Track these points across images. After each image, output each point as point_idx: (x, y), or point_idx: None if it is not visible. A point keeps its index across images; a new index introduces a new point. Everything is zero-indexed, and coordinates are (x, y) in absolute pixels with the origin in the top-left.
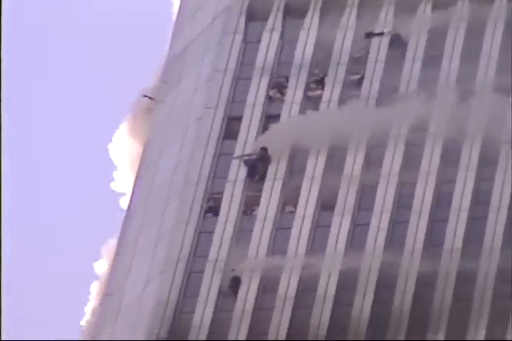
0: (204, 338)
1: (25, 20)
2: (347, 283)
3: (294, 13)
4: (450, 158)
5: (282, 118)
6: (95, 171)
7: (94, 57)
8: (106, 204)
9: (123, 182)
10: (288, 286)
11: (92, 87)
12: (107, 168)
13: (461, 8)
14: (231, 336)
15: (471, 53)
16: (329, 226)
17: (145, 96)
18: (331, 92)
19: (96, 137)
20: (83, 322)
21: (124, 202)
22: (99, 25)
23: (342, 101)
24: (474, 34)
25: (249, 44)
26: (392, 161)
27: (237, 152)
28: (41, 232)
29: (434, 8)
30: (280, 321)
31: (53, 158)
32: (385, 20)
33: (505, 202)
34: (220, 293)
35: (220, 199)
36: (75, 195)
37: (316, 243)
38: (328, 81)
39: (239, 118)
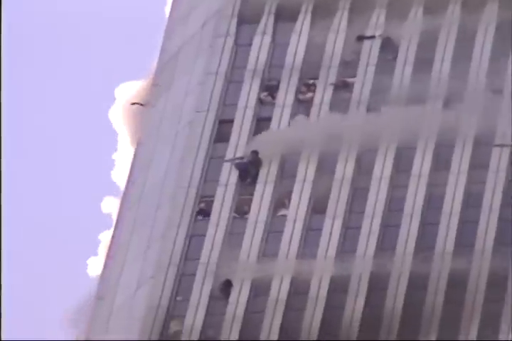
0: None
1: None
2: (338, 286)
3: (285, 17)
4: (441, 162)
5: (273, 121)
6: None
7: (85, 61)
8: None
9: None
10: (279, 289)
11: (81, 90)
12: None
13: (452, 12)
14: (222, 339)
15: (462, 56)
16: (320, 229)
17: (134, 103)
18: (322, 95)
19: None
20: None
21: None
22: (91, 29)
23: (333, 104)
24: (465, 37)
25: (241, 47)
26: (384, 164)
27: (229, 155)
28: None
29: (425, 11)
30: (271, 324)
31: (46, 152)
32: (377, 23)
33: (497, 205)
34: (212, 296)
35: (212, 202)
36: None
37: (308, 246)
38: (320, 84)
39: (230, 122)
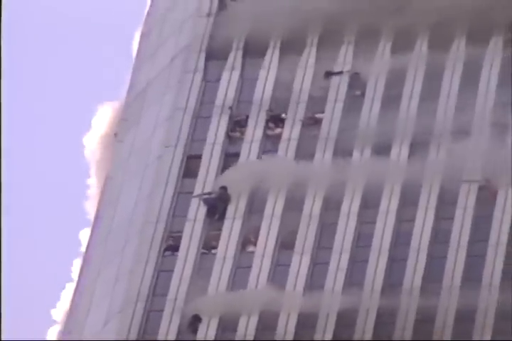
0: None
1: None
2: (306, 322)
3: (253, 52)
4: (409, 197)
5: (242, 157)
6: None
7: (53, 97)
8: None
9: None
10: (247, 325)
11: (48, 126)
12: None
13: (420, 49)
14: None
15: (430, 93)
16: (289, 265)
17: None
18: (290, 131)
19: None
20: None
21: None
22: (60, 63)
23: (302, 140)
24: (433, 74)
25: (209, 83)
26: (352, 200)
27: (197, 191)
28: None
29: (393, 48)
30: None
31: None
32: (345, 59)
33: (464, 241)
34: (180, 332)
35: (180, 237)
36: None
37: (276, 282)
38: (288, 120)
39: (198, 157)
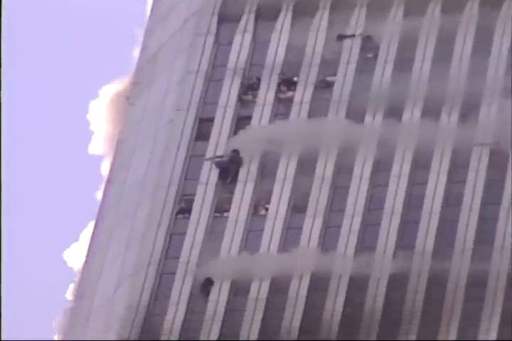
0: (175, 339)
1: None
2: (319, 285)
3: (266, 15)
4: (421, 161)
5: (254, 120)
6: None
7: (64, 64)
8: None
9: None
10: (259, 288)
11: (58, 92)
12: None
13: (432, 12)
14: (202, 337)
15: (442, 56)
16: (301, 228)
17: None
18: (302, 94)
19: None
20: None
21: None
22: (70, 28)
23: (314, 103)
24: (446, 37)
25: (221, 46)
26: (364, 163)
27: (209, 154)
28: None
29: (405, 11)
30: (251, 323)
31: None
32: (357, 22)
33: (477, 204)
34: (192, 294)
35: (192, 201)
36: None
37: (288, 245)
38: (300, 83)
39: (210, 120)
